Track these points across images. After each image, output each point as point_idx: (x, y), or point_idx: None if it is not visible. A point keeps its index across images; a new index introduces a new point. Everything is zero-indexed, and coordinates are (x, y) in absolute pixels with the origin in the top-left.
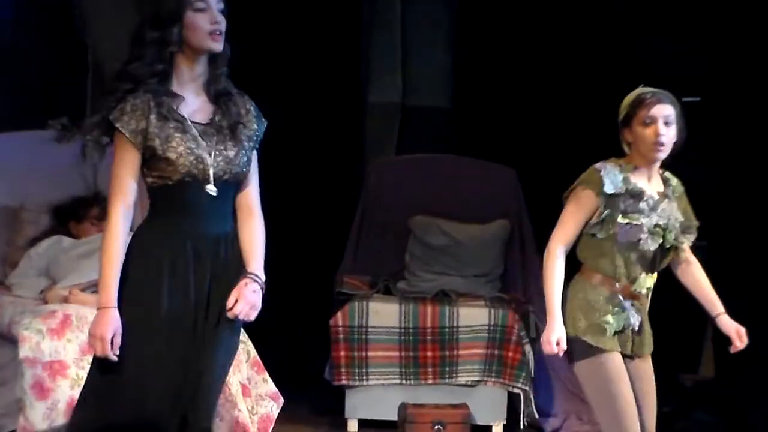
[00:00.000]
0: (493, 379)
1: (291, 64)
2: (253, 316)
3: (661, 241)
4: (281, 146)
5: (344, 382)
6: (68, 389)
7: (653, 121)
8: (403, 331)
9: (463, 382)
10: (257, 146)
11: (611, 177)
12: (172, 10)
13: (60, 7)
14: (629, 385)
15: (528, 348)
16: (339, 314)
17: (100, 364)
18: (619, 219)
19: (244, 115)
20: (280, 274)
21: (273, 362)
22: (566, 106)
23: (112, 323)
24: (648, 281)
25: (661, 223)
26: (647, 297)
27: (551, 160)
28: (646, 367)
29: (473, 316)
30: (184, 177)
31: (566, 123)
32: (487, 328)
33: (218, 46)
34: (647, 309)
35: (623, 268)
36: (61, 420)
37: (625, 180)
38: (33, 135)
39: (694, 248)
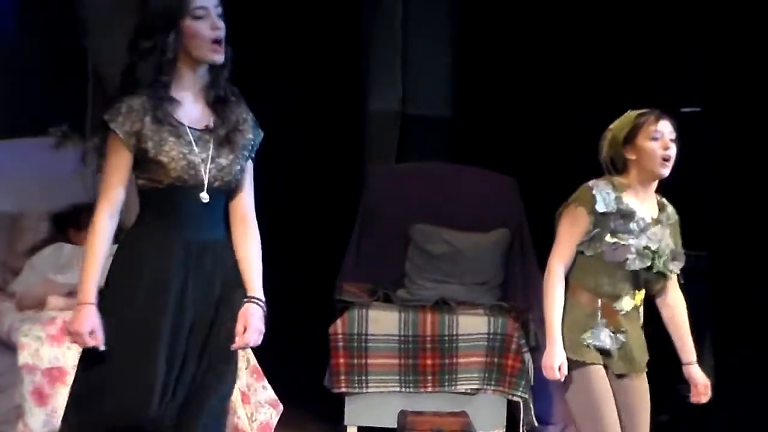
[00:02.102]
0: (492, 388)
1: (291, 71)
2: (259, 341)
3: (649, 263)
4: (281, 153)
5: (344, 389)
6: (67, 396)
7: (662, 135)
8: (402, 338)
9: (463, 390)
10: (252, 156)
11: (603, 195)
12: (167, 17)
13: (61, 12)
14: (611, 399)
15: (527, 356)
16: (339, 322)
17: (83, 366)
18: (607, 238)
19: (241, 123)
20: (280, 281)
21: (272, 369)
22: (567, 116)
23: (89, 319)
24: (632, 301)
25: (651, 246)
26: (634, 316)
27: (551, 168)
28: (638, 384)
29: (473, 324)
30: (175, 182)
31: (567, 132)
32: (486, 336)
33: (220, 57)
34: (639, 326)
35: (607, 287)
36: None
37: (618, 199)
38: (33, 142)
39: (696, 258)
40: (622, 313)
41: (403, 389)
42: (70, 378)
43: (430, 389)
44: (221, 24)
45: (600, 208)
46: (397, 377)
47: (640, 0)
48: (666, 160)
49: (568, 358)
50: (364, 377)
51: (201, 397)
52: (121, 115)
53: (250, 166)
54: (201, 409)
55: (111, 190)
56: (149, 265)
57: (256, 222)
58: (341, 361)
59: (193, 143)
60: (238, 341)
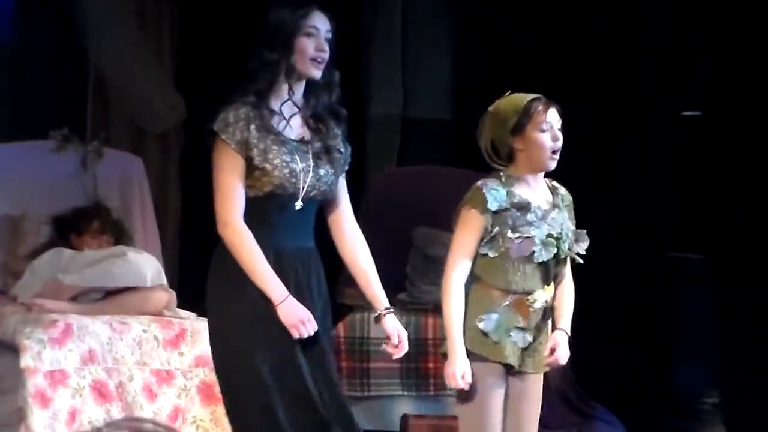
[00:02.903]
0: None
1: None
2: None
3: (555, 251)
4: None
5: (345, 393)
6: (69, 398)
7: (551, 126)
8: None
9: None
10: (346, 169)
11: (493, 193)
12: (288, 33)
13: (60, 15)
14: (499, 400)
15: None
16: (340, 325)
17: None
18: (509, 234)
19: (334, 137)
20: None
21: None
22: (567, 119)
23: (299, 307)
24: (545, 294)
25: (553, 233)
26: (545, 312)
27: (550, 171)
28: (534, 387)
29: None
30: (276, 189)
31: (566, 135)
32: None
33: (318, 73)
34: (548, 326)
35: (519, 283)
36: (62, 429)
37: (509, 194)
38: (34, 145)
39: (694, 261)
40: (535, 307)
41: (405, 393)
42: (71, 381)
43: (432, 393)
44: (326, 47)
45: (493, 206)
46: (399, 381)
47: (640, 4)
48: (555, 152)
49: (471, 352)
50: (366, 381)
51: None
52: (230, 124)
53: (344, 181)
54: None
55: (236, 196)
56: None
57: (360, 232)
58: (343, 364)
59: (294, 152)
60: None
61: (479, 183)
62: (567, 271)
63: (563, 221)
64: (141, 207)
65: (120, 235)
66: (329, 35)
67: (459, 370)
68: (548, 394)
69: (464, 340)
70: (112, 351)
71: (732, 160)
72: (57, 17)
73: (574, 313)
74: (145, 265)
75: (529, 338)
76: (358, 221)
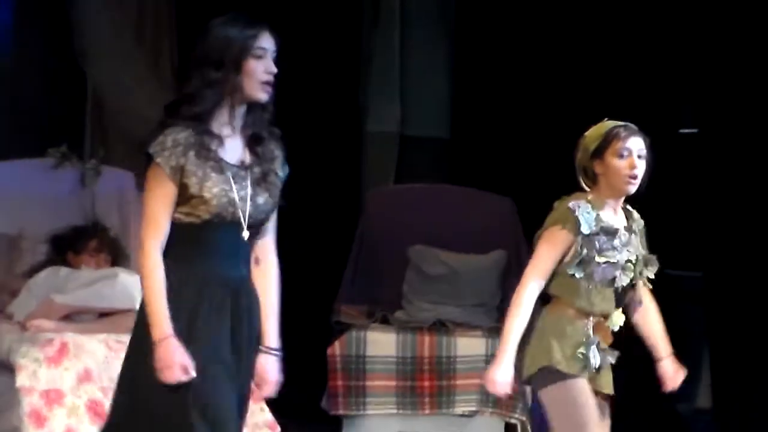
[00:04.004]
0: (490, 410)
1: (289, 92)
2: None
3: (632, 275)
4: None
5: (341, 411)
6: (65, 418)
7: (629, 153)
8: (400, 360)
9: (461, 413)
10: (279, 195)
11: (586, 216)
12: (236, 54)
13: (59, 33)
14: (596, 411)
15: None
16: (336, 344)
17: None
18: (597, 258)
19: (274, 160)
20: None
21: None
22: (564, 137)
23: (178, 351)
24: (619, 317)
25: (632, 258)
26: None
27: (549, 190)
28: (604, 406)
29: (471, 345)
30: (213, 218)
31: (564, 153)
32: (484, 358)
33: (266, 96)
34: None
35: (599, 305)
36: None
37: (597, 218)
38: (32, 163)
39: (691, 279)
40: (613, 330)
41: (401, 411)
42: (67, 400)
43: (427, 411)
44: (274, 69)
45: (585, 229)
46: (395, 399)
47: (637, 21)
48: (632, 178)
49: (556, 371)
50: (362, 399)
51: None
52: (167, 149)
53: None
54: None
55: (159, 223)
56: (189, 304)
57: (277, 263)
58: (339, 383)
59: (231, 180)
60: (256, 396)
61: (570, 204)
62: (645, 293)
63: (638, 246)
64: (139, 225)
65: (117, 254)
66: (275, 56)
67: (502, 377)
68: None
69: (546, 358)
70: (107, 370)
71: (729, 177)
72: (55, 35)
73: None
74: (135, 288)
75: (611, 359)
76: (354, 239)
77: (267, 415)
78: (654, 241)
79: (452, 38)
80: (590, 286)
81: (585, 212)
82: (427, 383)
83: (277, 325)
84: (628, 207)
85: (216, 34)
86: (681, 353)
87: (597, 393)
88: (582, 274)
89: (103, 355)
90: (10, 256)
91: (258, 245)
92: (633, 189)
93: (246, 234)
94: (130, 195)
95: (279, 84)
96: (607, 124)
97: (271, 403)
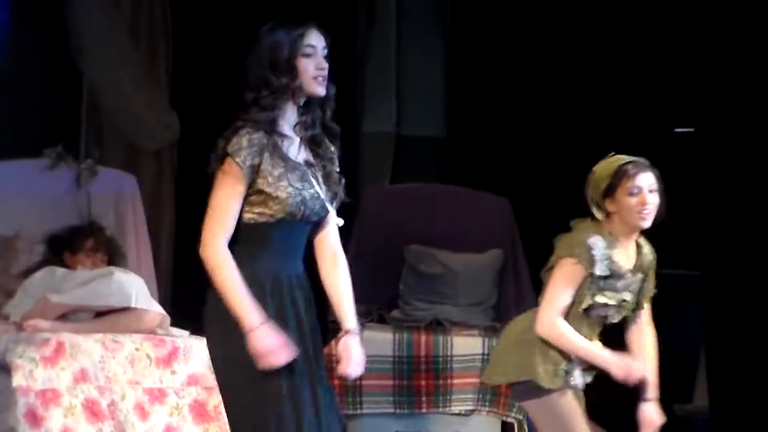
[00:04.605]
0: (487, 409)
1: None
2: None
3: (624, 314)
4: None
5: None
6: (61, 417)
7: (640, 191)
8: (397, 359)
9: (457, 411)
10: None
11: (601, 257)
12: (288, 56)
13: (55, 34)
14: (584, 420)
15: None
16: (333, 343)
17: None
18: (597, 298)
19: (333, 159)
20: None
21: None
22: (560, 136)
23: (274, 335)
24: (599, 343)
25: (628, 299)
26: None
27: (545, 189)
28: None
29: (467, 345)
30: (287, 216)
31: (560, 153)
32: (481, 357)
33: (322, 90)
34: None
35: (584, 333)
36: None
37: (609, 259)
38: (28, 163)
39: (689, 278)
40: None
41: (398, 410)
42: (63, 400)
43: (424, 410)
44: (326, 64)
45: (598, 271)
46: (392, 398)
47: (633, 21)
48: (646, 214)
49: (539, 387)
50: (358, 398)
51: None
52: (244, 149)
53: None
54: None
55: (227, 220)
56: (271, 299)
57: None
58: (335, 382)
59: (304, 178)
60: (345, 375)
61: (590, 241)
62: (646, 324)
63: (639, 285)
64: (135, 225)
65: (113, 254)
66: (326, 51)
67: (636, 369)
68: None
69: (529, 372)
70: (104, 369)
71: (725, 176)
72: (51, 36)
73: None
74: (130, 286)
75: (589, 379)
76: (351, 239)
77: None
78: (652, 240)
79: (448, 38)
80: (582, 318)
81: (601, 252)
82: (423, 382)
83: (354, 308)
84: (641, 239)
85: (266, 40)
86: (679, 353)
87: None
88: (578, 306)
89: (99, 355)
90: (6, 256)
91: (324, 240)
92: (647, 224)
93: (307, 229)
94: (125, 195)
95: None
96: (616, 161)
97: None
